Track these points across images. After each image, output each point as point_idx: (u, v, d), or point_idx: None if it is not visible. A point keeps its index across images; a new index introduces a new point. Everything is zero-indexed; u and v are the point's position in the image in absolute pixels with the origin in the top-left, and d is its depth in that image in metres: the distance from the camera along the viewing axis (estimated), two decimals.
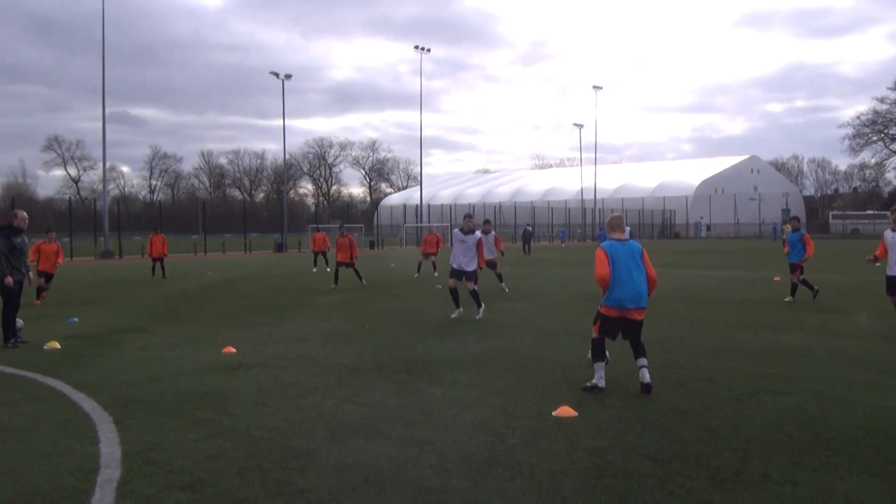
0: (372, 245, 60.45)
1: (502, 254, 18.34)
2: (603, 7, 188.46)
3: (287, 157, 65.38)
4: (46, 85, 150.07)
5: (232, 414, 6.22)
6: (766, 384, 7.11)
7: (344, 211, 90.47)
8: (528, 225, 49.56)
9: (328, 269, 19.65)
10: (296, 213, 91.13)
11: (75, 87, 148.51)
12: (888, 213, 10.79)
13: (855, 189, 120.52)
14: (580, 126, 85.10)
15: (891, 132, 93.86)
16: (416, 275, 22.85)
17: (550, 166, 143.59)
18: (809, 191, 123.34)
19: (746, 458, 4.89)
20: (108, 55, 45.29)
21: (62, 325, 12.19)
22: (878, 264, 11.46)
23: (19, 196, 73.80)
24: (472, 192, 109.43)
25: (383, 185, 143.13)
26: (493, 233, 17.65)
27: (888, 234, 10.49)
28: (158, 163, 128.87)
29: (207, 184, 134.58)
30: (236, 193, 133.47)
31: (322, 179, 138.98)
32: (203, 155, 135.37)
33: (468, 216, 13.04)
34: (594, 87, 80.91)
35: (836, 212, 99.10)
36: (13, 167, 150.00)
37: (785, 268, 15.94)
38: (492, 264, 17.23)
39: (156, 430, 5.75)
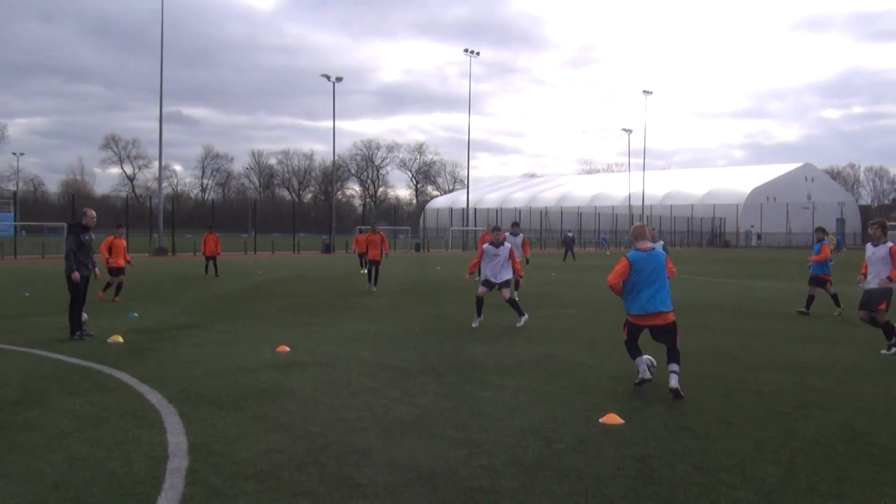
0: (418, 247, 60.88)
1: (527, 261, 17.44)
2: (653, 10, 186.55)
3: (335, 158, 66.19)
4: (105, 85, 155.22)
5: (289, 410, 6.49)
6: (814, 398, 7.12)
7: (390, 213, 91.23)
8: (568, 231, 49.56)
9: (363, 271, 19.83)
10: (343, 214, 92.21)
11: (132, 87, 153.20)
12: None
13: None
14: (629, 131, 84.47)
15: None
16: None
17: (598, 171, 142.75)
18: (866, 200, 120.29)
19: (792, 471, 4.96)
20: (164, 56, 46.57)
21: (123, 319, 12.69)
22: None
23: (78, 193, 76.14)
24: (518, 197, 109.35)
25: (429, 188, 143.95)
26: (521, 235, 16.60)
27: (869, 248, 10.21)
28: (210, 162, 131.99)
29: (257, 183, 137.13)
30: (285, 193, 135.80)
31: (369, 181, 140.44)
32: (253, 155, 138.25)
33: (496, 228, 12.77)
34: (644, 91, 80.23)
35: (893, 222, 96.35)
36: (72, 165, 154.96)
37: (843, 281, 15.69)
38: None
39: (218, 423, 6.05)
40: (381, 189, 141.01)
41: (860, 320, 10.11)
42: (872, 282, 9.98)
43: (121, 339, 10.28)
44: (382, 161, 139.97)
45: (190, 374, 8.01)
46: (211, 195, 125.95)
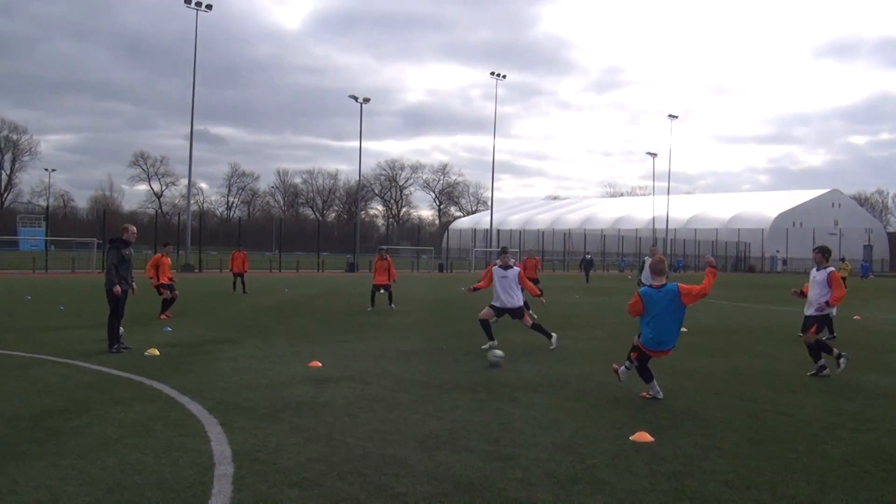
0: (441, 268, 61.11)
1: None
2: (678, 35, 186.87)
3: (360, 178, 66.86)
4: (134, 103, 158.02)
5: (326, 422, 6.68)
6: (843, 420, 7.17)
7: (413, 233, 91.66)
8: (586, 253, 49.71)
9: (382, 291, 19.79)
10: (366, 234, 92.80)
11: (160, 105, 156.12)
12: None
13: None
14: (654, 155, 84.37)
15: None
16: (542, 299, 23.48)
17: (621, 195, 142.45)
18: (895, 227, 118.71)
19: (823, 490, 5.04)
20: (192, 75, 47.49)
21: (157, 333, 12.99)
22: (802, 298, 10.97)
23: (107, 208, 77.38)
24: (542, 219, 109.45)
25: (452, 209, 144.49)
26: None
27: (812, 272, 10.36)
28: (236, 180, 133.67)
29: (282, 202, 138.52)
30: (309, 212, 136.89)
31: (392, 201, 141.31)
32: (279, 174, 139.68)
33: (504, 250, 12.66)
34: (669, 116, 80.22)
35: None
36: (101, 181, 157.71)
37: (866, 307, 15.64)
38: None
39: (259, 433, 6.25)
40: (404, 209, 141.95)
41: (805, 344, 10.21)
42: (810, 308, 10.16)
43: (157, 353, 10.55)
44: (406, 181, 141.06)
45: (227, 387, 8.23)
46: (236, 213, 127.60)
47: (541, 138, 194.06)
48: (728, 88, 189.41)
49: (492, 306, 12.01)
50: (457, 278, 44.82)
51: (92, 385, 8.24)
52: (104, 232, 46.42)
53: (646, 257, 18.01)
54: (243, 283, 25.00)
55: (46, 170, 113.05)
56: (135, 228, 11.07)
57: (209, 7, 48.62)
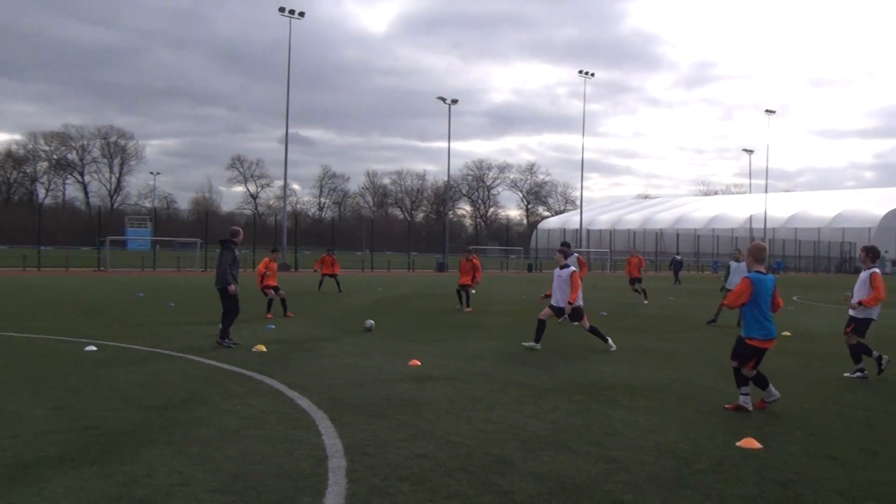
0: (530, 268, 60.92)
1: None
2: (772, 25, 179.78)
3: (449, 178, 67.36)
4: (229, 108, 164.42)
5: (429, 420, 6.86)
6: None
7: (502, 233, 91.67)
8: (676, 254, 48.82)
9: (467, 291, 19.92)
10: (455, 234, 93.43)
11: (254, 109, 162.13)
12: None
13: None
14: (750, 151, 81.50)
15: None
16: (646, 302, 23.44)
17: (715, 193, 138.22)
18: None
19: None
20: (284, 80, 49.06)
21: (262, 331, 13.55)
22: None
23: (207, 210, 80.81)
24: (632, 218, 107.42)
25: (540, 208, 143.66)
26: (573, 255, 15.11)
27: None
28: (328, 182, 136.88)
29: (371, 203, 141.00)
30: (398, 212, 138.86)
31: (480, 201, 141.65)
32: (368, 175, 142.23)
33: (562, 247, 12.48)
34: (766, 111, 77.34)
35: None
36: (201, 183, 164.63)
37: None
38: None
39: (366, 428, 6.49)
40: (491, 209, 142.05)
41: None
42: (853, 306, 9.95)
43: (264, 349, 11.03)
44: (493, 181, 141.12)
45: (332, 383, 8.55)
46: (328, 213, 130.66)
47: (629, 136, 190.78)
48: (828, 80, 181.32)
49: (550, 306, 12.16)
50: (546, 279, 44.56)
51: (208, 378, 8.72)
52: (205, 232, 48.62)
53: (731, 262, 17.57)
54: (338, 283, 25.71)
55: (151, 173, 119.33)
56: (242, 232, 11.64)
57: (301, 14, 50.13)
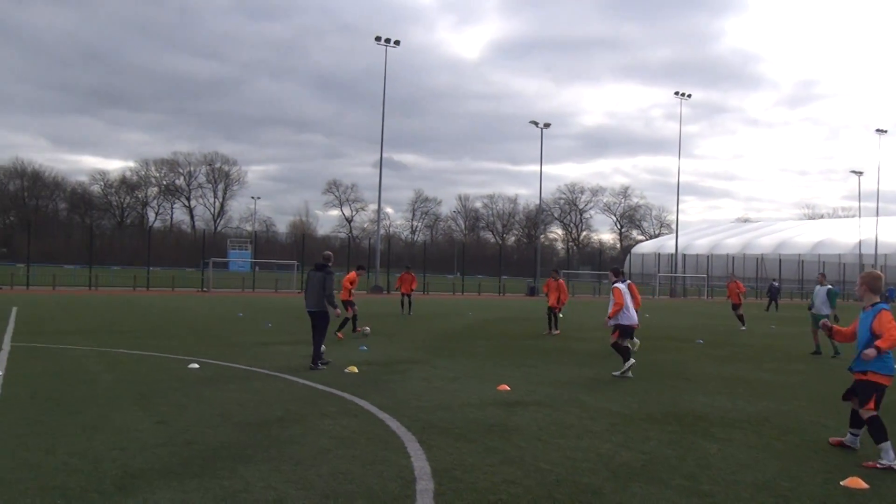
0: None
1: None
2: (879, 41, 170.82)
3: (541, 202, 67.09)
4: (326, 134, 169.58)
5: (517, 446, 6.83)
6: None
7: (594, 257, 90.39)
8: (773, 280, 47.21)
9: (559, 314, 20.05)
10: (546, 258, 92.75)
11: (349, 135, 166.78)
12: None
13: None
14: (859, 173, 77.57)
15: None
16: (742, 328, 22.90)
17: (820, 216, 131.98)
18: None
19: None
20: (378, 106, 50.23)
21: (355, 352, 13.84)
22: None
23: (304, 233, 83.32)
24: (731, 243, 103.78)
25: (634, 232, 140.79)
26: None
27: None
28: (420, 205, 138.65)
29: (463, 226, 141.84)
30: (489, 236, 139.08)
31: (572, 224, 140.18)
32: (460, 199, 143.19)
33: (614, 269, 12.77)
34: (877, 130, 73.54)
35: None
36: (298, 207, 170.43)
37: None
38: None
39: (454, 452, 6.52)
40: (584, 233, 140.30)
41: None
42: None
43: (356, 370, 11.26)
44: (586, 205, 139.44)
45: (422, 406, 8.64)
46: (420, 237, 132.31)
47: (728, 158, 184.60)
48: None
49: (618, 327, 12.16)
50: (641, 306, 43.57)
51: (303, 398, 8.97)
52: (302, 255, 50.14)
53: (816, 286, 16.84)
54: (410, 303, 25.98)
55: (252, 198, 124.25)
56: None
57: (397, 43, 51.32)
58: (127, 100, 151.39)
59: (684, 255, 71.72)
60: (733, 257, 76.87)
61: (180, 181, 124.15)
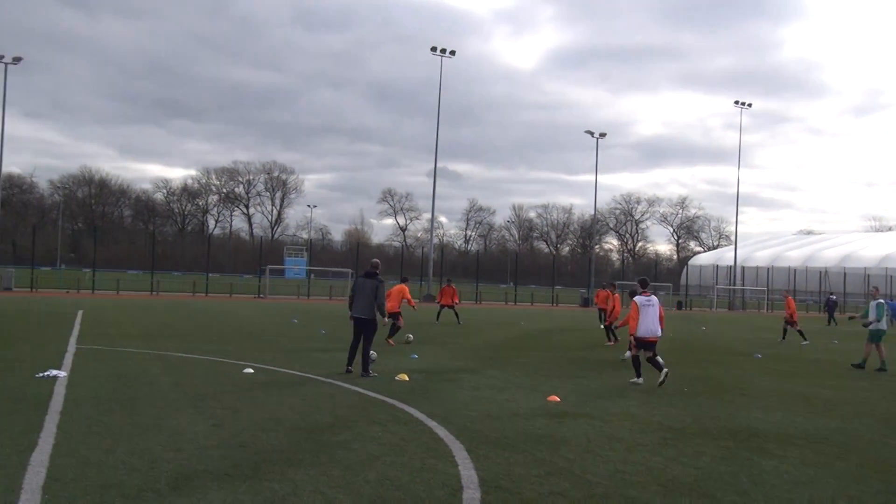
0: (679, 305, 58.66)
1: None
2: None
3: (595, 212, 66.53)
4: (381, 143, 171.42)
5: (566, 457, 6.78)
6: None
7: (650, 268, 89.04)
8: (830, 294, 45.80)
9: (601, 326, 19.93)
10: (600, 269, 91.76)
11: (404, 144, 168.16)
12: None
13: None
14: None
15: None
16: (804, 342, 22.39)
17: (888, 229, 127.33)
18: None
19: None
20: (434, 116, 50.49)
21: (406, 360, 13.92)
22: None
23: (359, 241, 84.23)
24: (793, 255, 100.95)
25: (692, 244, 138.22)
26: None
27: None
28: (474, 215, 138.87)
29: (517, 236, 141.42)
30: (543, 246, 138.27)
31: (628, 235, 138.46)
32: (514, 208, 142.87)
33: (641, 281, 12.69)
34: None
35: None
36: (354, 216, 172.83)
37: None
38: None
39: (501, 461, 6.51)
40: (640, 244, 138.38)
41: None
42: None
43: (406, 378, 11.32)
44: (642, 215, 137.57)
45: (471, 415, 8.65)
46: (473, 246, 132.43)
47: (789, 168, 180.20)
48: None
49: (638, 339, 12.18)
50: (696, 317, 42.74)
51: (353, 405, 9.07)
52: (356, 263, 50.69)
53: (871, 301, 16.29)
54: (456, 314, 26.10)
55: (308, 206, 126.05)
56: None
57: (453, 53, 51.63)
58: (190, 110, 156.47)
59: (743, 268, 70.06)
60: (795, 270, 74.76)
61: (239, 189, 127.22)
